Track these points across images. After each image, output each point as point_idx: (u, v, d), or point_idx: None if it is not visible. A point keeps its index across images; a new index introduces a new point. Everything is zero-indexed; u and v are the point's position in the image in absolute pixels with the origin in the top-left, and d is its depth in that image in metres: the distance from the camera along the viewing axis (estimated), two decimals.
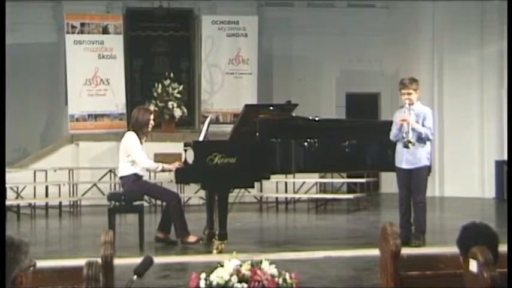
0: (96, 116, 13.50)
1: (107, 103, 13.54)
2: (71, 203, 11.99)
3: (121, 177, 7.78)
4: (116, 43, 13.73)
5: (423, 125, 7.31)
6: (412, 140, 7.17)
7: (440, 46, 14.69)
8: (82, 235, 9.44)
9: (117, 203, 7.64)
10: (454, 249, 3.46)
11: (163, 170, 7.76)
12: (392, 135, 7.42)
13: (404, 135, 7.22)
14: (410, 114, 7.27)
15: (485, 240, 3.27)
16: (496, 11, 13.94)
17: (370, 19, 15.37)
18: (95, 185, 12.79)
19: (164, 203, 8.09)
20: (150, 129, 7.81)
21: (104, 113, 13.54)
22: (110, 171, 12.75)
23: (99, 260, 3.48)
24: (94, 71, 13.45)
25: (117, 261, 3.79)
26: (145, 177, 8.17)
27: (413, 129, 7.22)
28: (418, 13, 14.87)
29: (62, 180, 12.30)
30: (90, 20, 13.61)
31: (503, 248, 3.43)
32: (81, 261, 3.42)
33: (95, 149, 13.14)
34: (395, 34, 15.28)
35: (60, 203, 11.71)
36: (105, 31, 13.68)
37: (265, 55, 15.07)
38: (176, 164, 7.61)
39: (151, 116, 7.79)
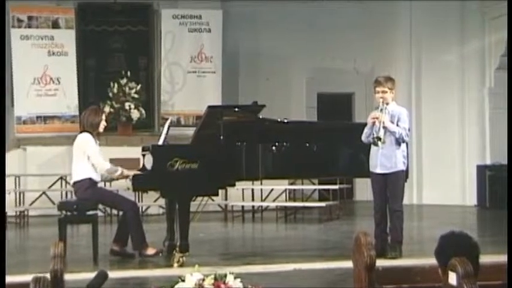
0: (45, 118, 13.39)
1: (58, 104, 13.43)
2: (18, 213, 11.85)
3: (74, 183, 7.72)
4: (67, 39, 13.63)
5: (398, 126, 7.36)
6: (381, 137, 7.20)
7: (418, 43, 14.84)
8: (30, 248, 9.34)
9: (68, 213, 7.58)
10: (432, 261, 3.49)
11: (122, 177, 7.73)
12: (364, 136, 7.44)
13: (374, 133, 7.27)
14: (385, 114, 7.31)
15: (465, 251, 3.31)
16: (477, 5, 14.12)
17: (344, 14, 15.45)
18: (44, 193, 12.65)
19: (120, 213, 8.05)
20: (102, 131, 7.81)
21: (54, 115, 13.43)
22: (61, 178, 12.63)
23: (48, 275, 3.44)
24: (43, 69, 13.35)
25: (68, 277, 3.75)
26: (101, 184, 8.13)
27: (385, 128, 7.26)
28: (395, 8, 15.00)
29: (7, 188, 12.14)
30: (39, 13, 13.50)
31: (484, 259, 3.47)
32: (28, 277, 3.38)
33: (44, 154, 13.01)
34: (370, 30, 15.39)
35: (5, 213, 11.55)
36: (55, 25, 13.57)
37: (230, 52, 15.08)
38: (134, 171, 7.59)
39: (103, 116, 7.81)
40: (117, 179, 7.84)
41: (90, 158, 7.55)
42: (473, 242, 3.40)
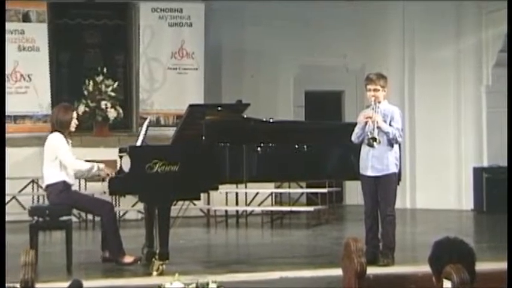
0: (15, 118, 13.32)
1: (29, 103, 13.37)
2: None
3: (47, 186, 7.70)
4: (39, 33, 13.56)
5: (390, 126, 7.38)
6: (376, 137, 7.22)
7: (411, 39, 14.88)
8: None
9: (40, 218, 7.54)
10: (426, 268, 3.50)
11: (98, 175, 7.73)
12: (354, 136, 7.46)
13: (369, 133, 7.29)
14: (377, 113, 7.33)
15: (460, 258, 3.32)
16: None
17: (333, 9, 15.43)
18: (14, 197, 12.60)
19: (97, 218, 8.03)
20: (73, 130, 7.78)
21: (25, 114, 13.37)
22: (33, 181, 12.57)
23: (18, 285, 3.43)
24: (13, 66, 13.28)
25: (39, 287, 3.73)
26: (75, 187, 8.11)
27: (378, 128, 7.28)
28: (387, 2, 15.02)
29: None
30: (8, 5, 13.39)
31: (480, 266, 3.48)
32: None
33: (14, 155, 12.90)
34: (361, 25, 15.41)
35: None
36: (25, 19, 13.50)
37: (213, 48, 15.05)
38: (111, 169, 7.57)
39: (74, 114, 7.78)
40: (98, 175, 7.82)
41: (61, 160, 7.52)
42: (469, 248, 3.41)
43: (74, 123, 7.75)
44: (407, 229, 11.20)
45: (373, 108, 7.37)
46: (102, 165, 7.67)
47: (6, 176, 12.67)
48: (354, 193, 13.50)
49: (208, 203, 12.44)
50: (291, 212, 12.60)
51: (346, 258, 3.89)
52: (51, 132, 7.75)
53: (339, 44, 15.48)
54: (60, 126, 7.68)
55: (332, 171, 8.19)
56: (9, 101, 13.18)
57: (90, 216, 11.41)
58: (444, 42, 14.44)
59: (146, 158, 7.14)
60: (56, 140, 7.60)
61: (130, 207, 12.25)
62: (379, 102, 7.43)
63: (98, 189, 10.42)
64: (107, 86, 13.70)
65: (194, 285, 3.75)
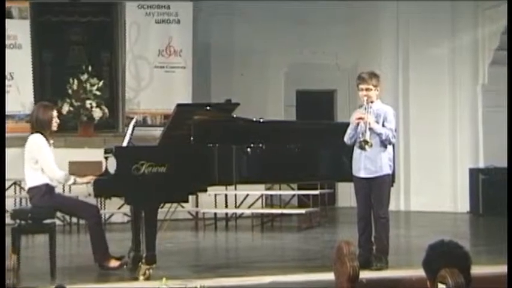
0: None
1: (11, 102, 13.29)
2: None
3: (29, 189, 7.66)
4: (21, 30, 13.52)
5: (383, 126, 7.38)
6: (368, 140, 7.21)
7: (405, 36, 14.90)
8: None
9: (22, 222, 7.51)
10: (420, 272, 3.51)
11: (74, 183, 7.72)
12: (346, 137, 7.46)
13: (360, 135, 7.29)
14: (369, 113, 7.33)
15: (455, 262, 3.33)
16: None
17: (325, 6, 15.45)
18: None
19: (81, 221, 8.00)
20: (55, 129, 7.73)
21: (7, 114, 13.29)
22: (15, 183, 12.53)
23: None
24: None
25: None
26: (59, 190, 8.07)
27: (371, 129, 7.28)
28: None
29: None
30: None
31: (477, 270, 3.49)
32: None
33: None
34: (353, 23, 15.43)
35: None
36: (7, 15, 13.42)
37: (202, 46, 15.05)
38: (90, 178, 7.52)
39: (54, 113, 7.70)
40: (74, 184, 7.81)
41: (41, 164, 7.47)
42: (464, 252, 3.41)
43: (55, 122, 7.68)
44: (401, 232, 11.22)
45: (365, 108, 7.37)
46: (79, 180, 7.62)
47: None
48: (346, 195, 13.51)
49: (197, 206, 12.44)
50: (282, 214, 12.59)
51: (338, 262, 3.89)
52: (32, 133, 7.69)
53: (331, 42, 15.51)
54: (40, 126, 7.61)
55: (324, 172, 8.18)
56: None
57: (74, 219, 11.39)
58: (439, 39, 14.46)
59: (132, 159, 7.13)
60: (36, 142, 7.52)
61: (116, 210, 12.22)
62: (372, 102, 7.42)
63: (83, 191, 10.40)
64: (92, 85, 13.68)
65: None
